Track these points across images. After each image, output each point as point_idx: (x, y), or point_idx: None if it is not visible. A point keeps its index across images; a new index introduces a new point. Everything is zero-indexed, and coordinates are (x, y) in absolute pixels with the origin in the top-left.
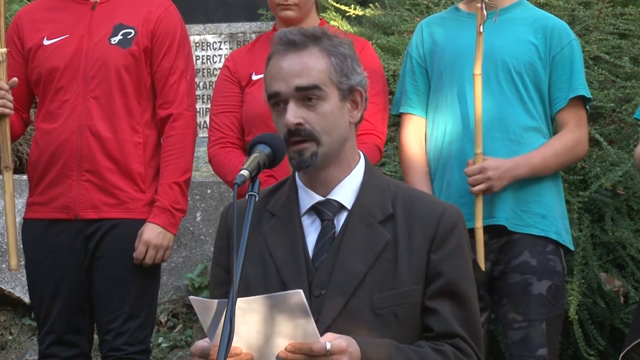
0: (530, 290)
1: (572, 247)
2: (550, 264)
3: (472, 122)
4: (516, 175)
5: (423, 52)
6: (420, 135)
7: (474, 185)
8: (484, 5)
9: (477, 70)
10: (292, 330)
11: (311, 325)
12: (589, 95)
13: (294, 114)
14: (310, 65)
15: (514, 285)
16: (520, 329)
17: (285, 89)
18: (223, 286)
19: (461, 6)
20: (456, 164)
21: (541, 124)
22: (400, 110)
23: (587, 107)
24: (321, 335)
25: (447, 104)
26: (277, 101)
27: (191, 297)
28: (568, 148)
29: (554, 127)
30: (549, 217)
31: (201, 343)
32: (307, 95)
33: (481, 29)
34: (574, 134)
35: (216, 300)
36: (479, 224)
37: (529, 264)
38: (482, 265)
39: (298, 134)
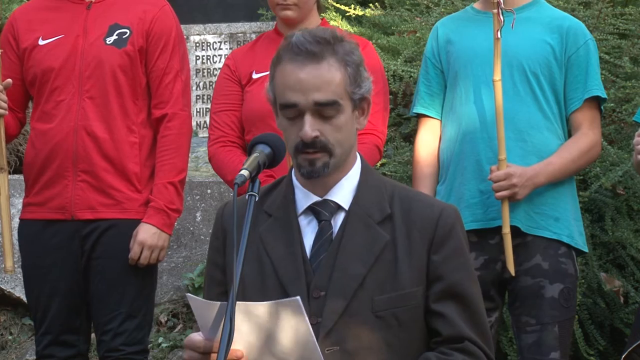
0: (542, 293)
1: (585, 249)
2: (562, 267)
3: (487, 122)
4: (537, 183)
5: (438, 52)
6: (432, 138)
7: (498, 191)
8: (500, 11)
9: (497, 76)
10: (289, 336)
11: (308, 331)
12: (604, 96)
13: (311, 126)
14: (329, 80)
15: (526, 289)
16: (533, 332)
17: (304, 102)
18: (218, 286)
19: (477, 5)
20: (469, 164)
21: (555, 125)
22: (413, 111)
23: (602, 107)
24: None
25: (461, 104)
26: (293, 111)
27: (188, 294)
28: (584, 152)
29: (567, 128)
30: (562, 219)
31: (195, 336)
32: (325, 109)
33: (499, 35)
34: (588, 137)
35: (213, 302)
36: (506, 230)
37: (541, 267)
38: (512, 270)
39: (313, 146)
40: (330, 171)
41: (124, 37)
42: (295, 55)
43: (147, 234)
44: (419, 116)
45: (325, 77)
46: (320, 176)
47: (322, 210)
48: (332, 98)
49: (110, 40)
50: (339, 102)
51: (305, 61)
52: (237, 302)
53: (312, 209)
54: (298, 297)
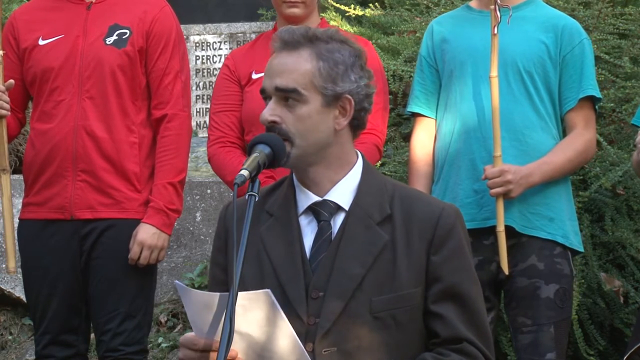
0: (538, 294)
1: (581, 249)
2: (558, 267)
3: (482, 121)
4: (532, 182)
5: (433, 51)
6: (427, 137)
7: (492, 188)
8: (497, 7)
9: (494, 72)
10: (266, 329)
11: (286, 324)
12: (598, 96)
13: (271, 111)
14: (293, 68)
15: (522, 289)
16: (529, 332)
17: (268, 86)
18: (221, 286)
19: (472, 4)
20: (464, 163)
21: (550, 124)
22: (408, 109)
23: (597, 107)
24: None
25: (456, 103)
26: (264, 97)
27: (177, 282)
28: (579, 152)
29: (562, 127)
30: (557, 220)
31: (191, 334)
32: (286, 96)
33: (495, 31)
34: (583, 136)
35: (203, 292)
36: (500, 228)
37: (537, 267)
38: (506, 269)
39: (272, 132)
40: (294, 162)
41: (123, 37)
42: (275, 43)
43: (146, 234)
44: (415, 115)
45: (290, 65)
46: (281, 165)
47: (321, 211)
48: (291, 85)
49: (110, 40)
50: (298, 90)
51: (280, 50)
52: (207, 293)
53: (312, 209)
54: (268, 290)
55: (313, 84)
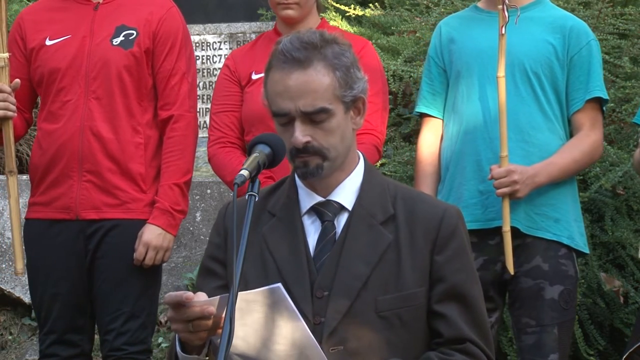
0: (542, 295)
1: (586, 250)
2: (563, 269)
3: (488, 121)
4: (538, 182)
5: (441, 51)
6: (434, 137)
7: (499, 188)
8: (505, 7)
9: (501, 72)
10: (274, 325)
11: (297, 317)
12: (605, 97)
13: (302, 132)
14: (316, 86)
15: (526, 290)
16: (533, 333)
17: (292, 110)
18: (218, 279)
19: (480, 4)
20: (469, 163)
21: (557, 126)
22: (416, 110)
23: (604, 108)
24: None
25: (462, 103)
26: (284, 119)
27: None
28: (585, 153)
29: (569, 128)
30: (562, 221)
31: (178, 293)
32: (315, 115)
33: (503, 31)
34: (590, 138)
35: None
36: (506, 228)
37: (541, 268)
38: (511, 269)
39: (306, 152)
40: (326, 173)
41: (130, 38)
42: (282, 62)
43: (152, 234)
44: (422, 115)
45: (313, 84)
46: (315, 177)
47: (325, 211)
48: (320, 105)
49: (116, 41)
50: (327, 107)
51: (292, 68)
52: (219, 296)
53: (315, 209)
54: (279, 284)
55: (335, 95)
